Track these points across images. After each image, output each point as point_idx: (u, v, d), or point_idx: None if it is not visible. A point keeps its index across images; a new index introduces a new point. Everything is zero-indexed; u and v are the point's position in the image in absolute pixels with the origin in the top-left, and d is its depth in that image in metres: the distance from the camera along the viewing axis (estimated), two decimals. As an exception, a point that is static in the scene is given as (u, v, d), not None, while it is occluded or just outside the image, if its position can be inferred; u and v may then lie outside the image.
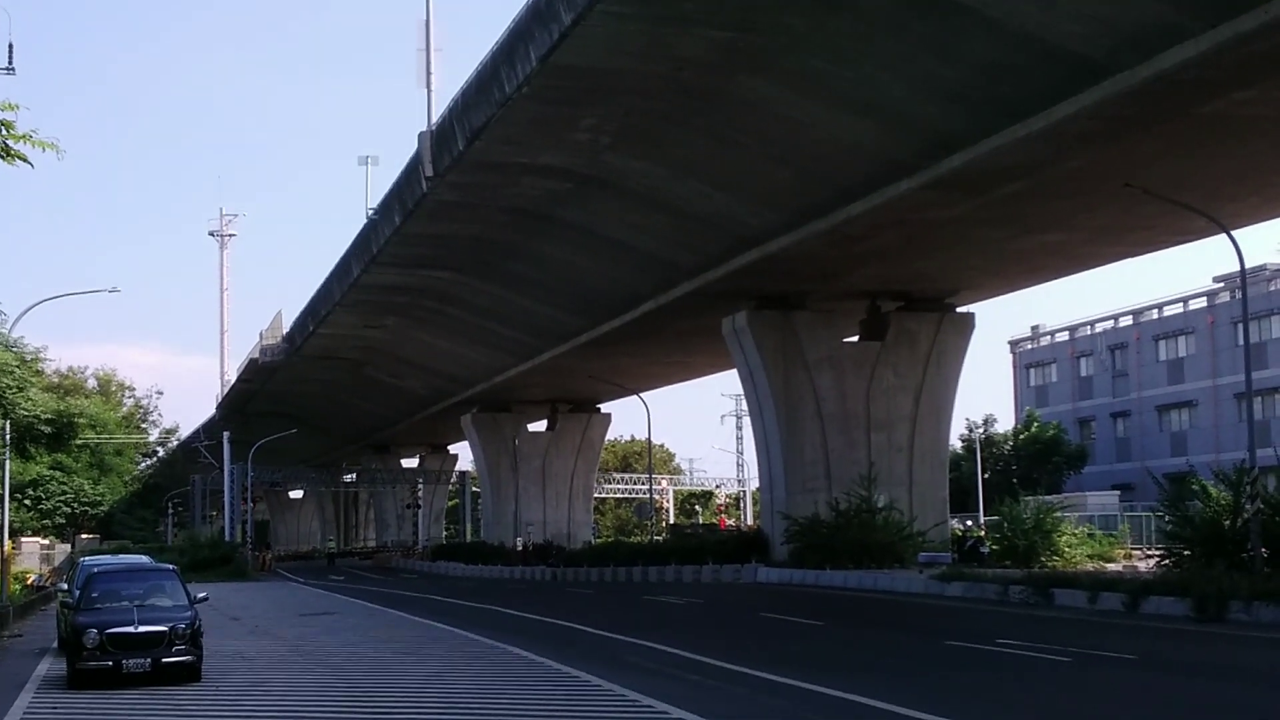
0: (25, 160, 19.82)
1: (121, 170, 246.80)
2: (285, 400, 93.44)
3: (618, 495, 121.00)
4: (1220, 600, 27.62)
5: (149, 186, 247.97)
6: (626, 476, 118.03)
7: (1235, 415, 73.79)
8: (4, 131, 19.68)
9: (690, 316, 53.27)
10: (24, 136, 19.65)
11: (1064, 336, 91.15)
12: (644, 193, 42.36)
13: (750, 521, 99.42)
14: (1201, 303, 79.70)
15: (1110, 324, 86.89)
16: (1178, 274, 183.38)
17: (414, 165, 45.78)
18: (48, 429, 44.47)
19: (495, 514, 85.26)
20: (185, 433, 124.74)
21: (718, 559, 52.49)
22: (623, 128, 37.35)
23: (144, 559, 33.33)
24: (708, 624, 32.35)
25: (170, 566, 25.55)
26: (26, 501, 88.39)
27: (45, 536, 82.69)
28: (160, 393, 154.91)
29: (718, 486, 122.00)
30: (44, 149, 19.79)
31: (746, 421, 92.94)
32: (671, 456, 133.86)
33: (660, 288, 50.69)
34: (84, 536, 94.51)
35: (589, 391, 78.39)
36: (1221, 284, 77.19)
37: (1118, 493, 72.66)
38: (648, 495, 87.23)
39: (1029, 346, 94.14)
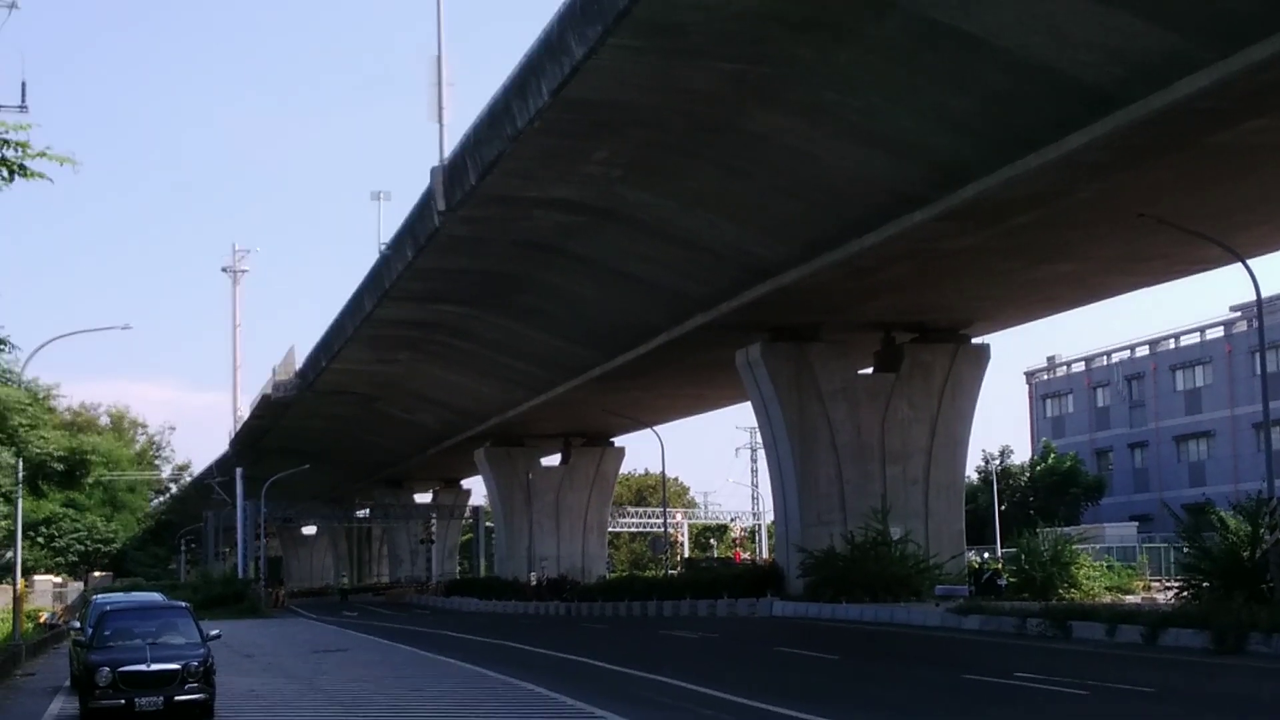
0: (44, 177, 19.87)
1: (134, 206, 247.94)
2: (298, 436, 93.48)
3: (632, 529, 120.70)
4: (1239, 632, 27.39)
5: (161, 222, 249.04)
6: (641, 510, 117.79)
7: (1254, 445, 73.41)
8: (20, 152, 19.70)
9: (704, 349, 53.20)
10: (40, 154, 19.69)
11: (1080, 367, 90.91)
12: (656, 225, 42.36)
13: (765, 555, 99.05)
14: (1218, 332, 79.45)
15: (1127, 354, 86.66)
16: (1194, 304, 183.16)
17: (426, 200, 45.86)
18: (60, 466, 44.24)
19: (509, 549, 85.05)
20: (198, 469, 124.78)
21: (733, 593, 52.25)
22: (634, 160, 37.39)
23: (156, 596, 33.25)
24: (723, 658, 32.16)
25: (183, 604, 25.48)
26: (39, 539, 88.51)
27: (58, 574, 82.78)
28: (173, 429, 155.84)
29: (733, 520, 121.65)
30: (60, 163, 19.80)
31: (761, 454, 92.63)
32: (686, 490, 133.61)
33: (673, 320, 50.64)
34: (97, 574, 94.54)
35: (602, 425, 78.29)
36: (1239, 313, 76.94)
37: (1136, 524, 72.29)
38: (662, 529, 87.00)
39: (1045, 377, 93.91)
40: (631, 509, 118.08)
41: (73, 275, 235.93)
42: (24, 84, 33.21)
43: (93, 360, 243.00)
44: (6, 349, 29.73)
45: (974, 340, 52.21)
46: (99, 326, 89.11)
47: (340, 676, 28.26)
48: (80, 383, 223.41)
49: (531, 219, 43.65)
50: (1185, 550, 38.17)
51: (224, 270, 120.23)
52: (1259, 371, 46.88)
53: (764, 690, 22.67)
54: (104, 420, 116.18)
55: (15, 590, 42.82)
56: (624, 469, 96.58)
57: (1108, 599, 42.43)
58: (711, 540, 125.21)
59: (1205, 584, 35.09)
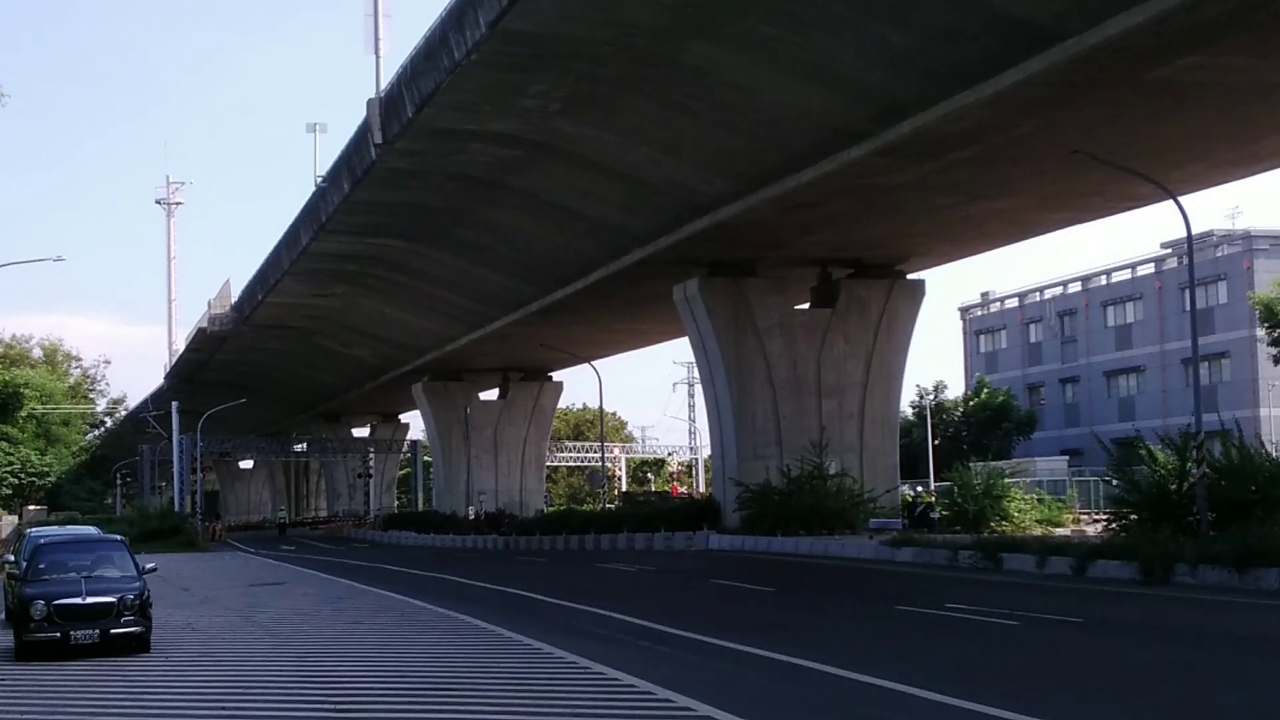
0: None
1: (67, 137, 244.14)
2: (234, 370, 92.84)
3: (570, 464, 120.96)
4: (1166, 563, 27.89)
5: (95, 153, 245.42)
6: (579, 445, 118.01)
7: (1182, 380, 74.54)
8: None
9: (642, 284, 53.22)
10: None
11: (1014, 303, 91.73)
12: (595, 160, 42.21)
13: (703, 489, 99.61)
14: (1149, 269, 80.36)
15: (1059, 290, 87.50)
16: (1126, 241, 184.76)
17: (363, 132, 45.47)
18: (-8, 400, 43.95)
19: (447, 483, 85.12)
20: (133, 403, 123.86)
21: (670, 526, 52.62)
22: (573, 94, 37.20)
23: (92, 530, 33.02)
24: (660, 591, 32.41)
25: (118, 537, 25.31)
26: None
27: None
28: (108, 362, 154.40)
29: (670, 454, 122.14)
30: None
31: (698, 389, 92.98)
32: (624, 424, 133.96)
33: (612, 255, 50.59)
34: (31, 508, 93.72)
35: (541, 360, 78.28)
36: (1169, 250, 77.80)
37: (1066, 458, 73.27)
38: (600, 463, 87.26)
39: (979, 313, 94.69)
40: (569, 443, 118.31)
41: (2, 207, 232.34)
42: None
43: (25, 293, 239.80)
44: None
45: (909, 276, 52.56)
46: (31, 259, 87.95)
47: (277, 610, 28.25)
48: (12, 315, 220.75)
49: (469, 153, 43.40)
50: (1114, 484, 38.71)
51: (158, 203, 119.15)
52: (1188, 308, 47.45)
53: (700, 622, 22.89)
54: (37, 353, 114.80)
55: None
56: (562, 404, 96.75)
57: (1038, 532, 43.01)
58: (649, 475, 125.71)
59: (1133, 516, 35.62)
